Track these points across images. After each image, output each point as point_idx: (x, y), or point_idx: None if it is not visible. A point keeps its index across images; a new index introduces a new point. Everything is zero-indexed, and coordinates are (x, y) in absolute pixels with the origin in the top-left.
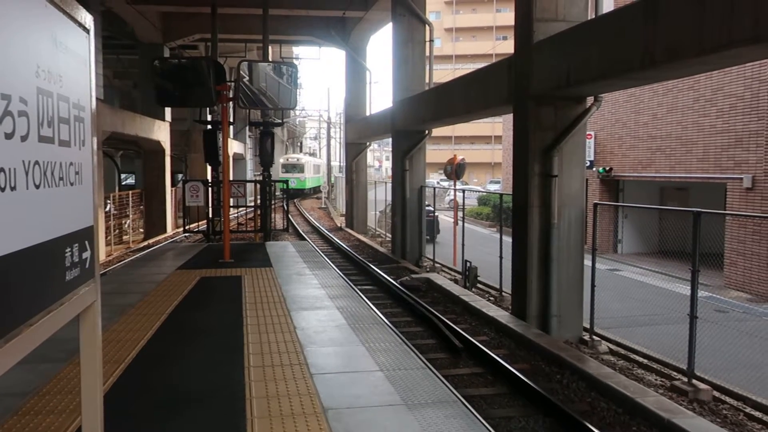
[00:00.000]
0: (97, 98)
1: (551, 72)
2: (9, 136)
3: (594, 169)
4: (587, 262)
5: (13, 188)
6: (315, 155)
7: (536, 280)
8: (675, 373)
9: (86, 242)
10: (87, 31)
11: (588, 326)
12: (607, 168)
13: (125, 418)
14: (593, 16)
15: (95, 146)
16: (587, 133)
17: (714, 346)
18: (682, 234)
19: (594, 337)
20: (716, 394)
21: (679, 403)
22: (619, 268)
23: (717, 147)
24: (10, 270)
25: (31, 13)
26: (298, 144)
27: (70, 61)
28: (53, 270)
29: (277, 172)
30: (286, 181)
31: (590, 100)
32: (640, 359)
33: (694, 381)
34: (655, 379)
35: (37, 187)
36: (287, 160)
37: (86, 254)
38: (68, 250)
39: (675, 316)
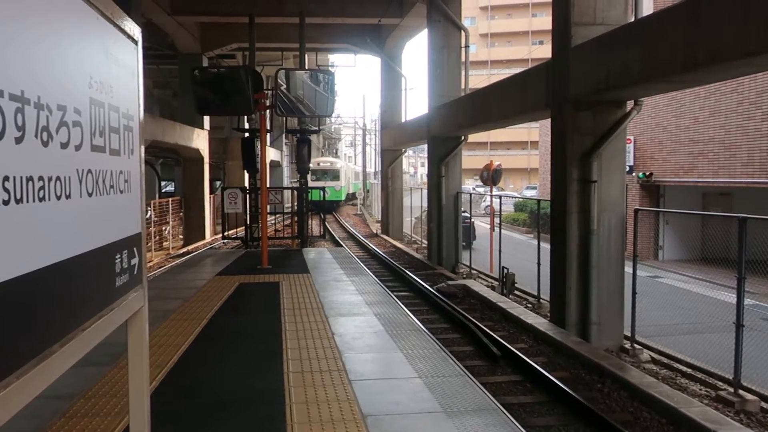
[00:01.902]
0: None
1: (590, 76)
2: (64, 145)
3: (633, 174)
4: (628, 269)
5: (68, 196)
6: (338, 159)
7: (575, 287)
8: (720, 383)
9: (134, 249)
10: (135, 42)
11: (629, 334)
12: (647, 173)
13: (169, 420)
14: (632, 19)
15: (143, 155)
16: (627, 137)
17: (761, 356)
18: (726, 240)
19: (635, 345)
20: (764, 405)
21: (725, 414)
22: (660, 275)
23: (762, 151)
24: (66, 276)
25: (85, 26)
26: (334, 150)
27: (120, 72)
28: (104, 276)
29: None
30: (322, 189)
31: (630, 104)
32: (684, 368)
33: (741, 391)
34: (700, 389)
35: (90, 195)
36: (318, 164)
37: (134, 261)
38: (118, 256)
39: (719, 324)
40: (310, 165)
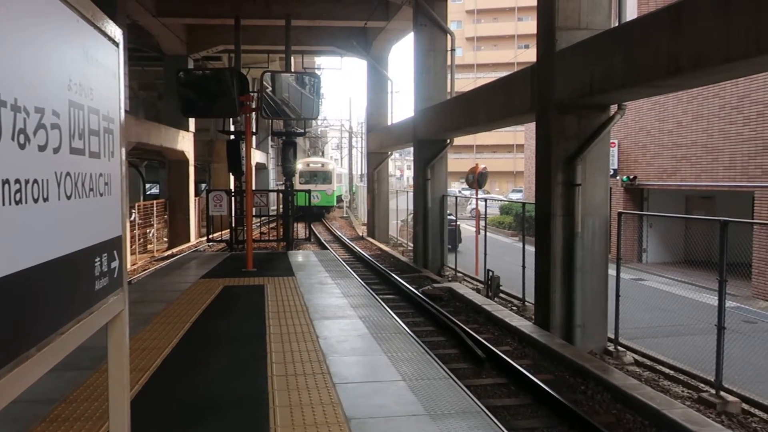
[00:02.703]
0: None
1: (574, 80)
2: (42, 148)
3: (618, 177)
4: (611, 272)
5: (45, 199)
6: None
7: (560, 290)
8: (702, 385)
9: (115, 252)
10: (116, 44)
11: (613, 336)
12: (631, 176)
13: (150, 425)
14: (617, 24)
15: (124, 157)
16: (611, 141)
17: (742, 358)
18: (709, 243)
19: (619, 347)
20: (745, 406)
21: (706, 416)
22: (644, 277)
23: (744, 155)
24: (44, 279)
25: (65, 28)
26: (320, 153)
27: (100, 74)
28: (83, 279)
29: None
30: (308, 192)
31: (614, 108)
32: (667, 370)
33: (722, 393)
34: (682, 391)
35: (69, 198)
36: (308, 165)
37: (115, 264)
38: (98, 259)
39: (702, 326)
40: (299, 166)
